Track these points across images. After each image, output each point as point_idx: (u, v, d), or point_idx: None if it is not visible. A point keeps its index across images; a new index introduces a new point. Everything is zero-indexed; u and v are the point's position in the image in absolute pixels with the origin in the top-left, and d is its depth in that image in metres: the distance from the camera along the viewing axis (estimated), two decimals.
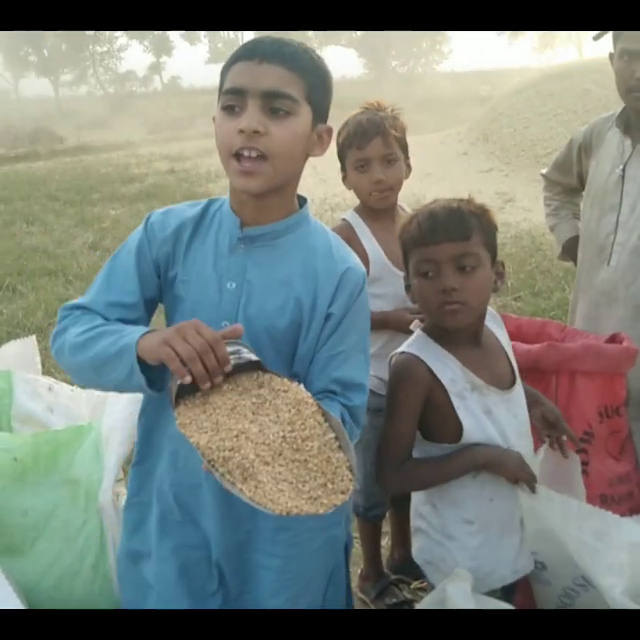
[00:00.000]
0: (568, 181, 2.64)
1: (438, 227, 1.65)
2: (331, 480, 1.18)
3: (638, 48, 2.13)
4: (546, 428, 1.88)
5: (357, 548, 2.76)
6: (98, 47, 49.64)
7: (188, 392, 1.25)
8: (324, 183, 11.69)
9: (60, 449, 2.05)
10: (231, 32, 57.01)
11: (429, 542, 1.82)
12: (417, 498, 1.87)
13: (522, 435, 1.78)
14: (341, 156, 2.29)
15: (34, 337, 2.53)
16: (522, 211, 8.23)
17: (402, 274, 2.21)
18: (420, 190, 9.51)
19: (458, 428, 1.70)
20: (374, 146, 2.22)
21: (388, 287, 2.28)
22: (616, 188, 2.31)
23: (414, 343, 1.75)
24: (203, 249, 1.49)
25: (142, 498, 1.61)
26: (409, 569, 2.68)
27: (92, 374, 1.41)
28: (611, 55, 2.25)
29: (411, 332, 2.16)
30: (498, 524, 1.77)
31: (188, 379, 1.20)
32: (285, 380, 1.32)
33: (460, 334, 1.72)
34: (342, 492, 1.16)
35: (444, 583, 1.66)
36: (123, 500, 2.16)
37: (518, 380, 1.81)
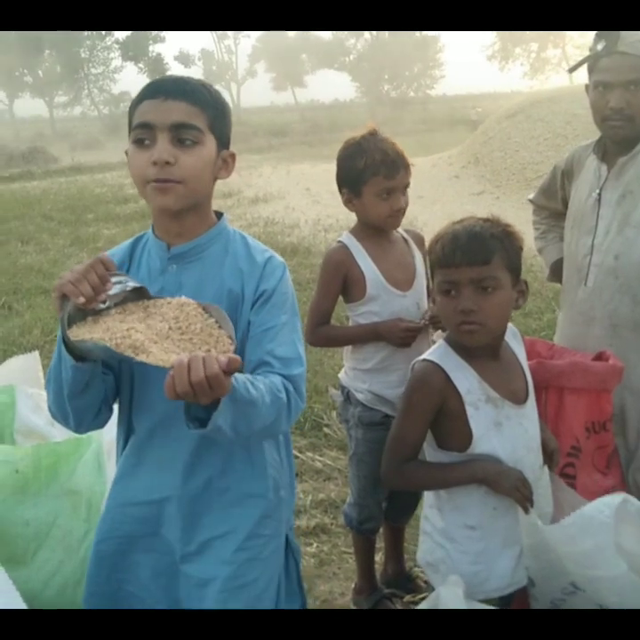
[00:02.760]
0: (553, 206, 2.73)
1: (458, 250, 1.72)
2: (214, 347, 1.33)
3: (611, 80, 2.23)
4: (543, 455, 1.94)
5: (351, 563, 2.81)
6: (93, 68, 49.94)
7: (79, 320, 1.37)
8: (317, 204, 11.79)
9: (60, 460, 2.10)
10: (225, 55, 57.43)
11: (432, 545, 1.89)
12: (426, 502, 1.95)
13: (531, 449, 1.85)
14: (357, 181, 2.33)
15: (36, 352, 2.58)
16: None
17: (397, 292, 2.33)
18: (412, 213, 9.56)
19: (468, 438, 1.77)
20: (401, 176, 2.32)
21: (383, 305, 2.36)
22: (593, 211, 2.40)
23: (436, 352, 1.84)
24: (139, 277, 1.59)
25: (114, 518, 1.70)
26: (402, 583, 2.72)
27: (63, 399, 1.49)
28: (586, 87, 2.36)
29: (403, 344, 2.27)
30: (500, 533, 1.82)
31: (81, 298, 1.33)
32: (168, 298, 1.46)
33: (479, 348, 1.80)
34: (224, 352, 1.30)
35: (438, 589, 1.71)
36: None
37: (532, 396, 1.88)
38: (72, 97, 49.84)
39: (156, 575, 1.67)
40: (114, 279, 1.40)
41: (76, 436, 2.19)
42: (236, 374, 1.36)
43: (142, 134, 1.51)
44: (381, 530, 2.71)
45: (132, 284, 1.43)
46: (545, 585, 1.91)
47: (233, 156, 1.64)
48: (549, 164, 11.56)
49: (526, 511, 1.76)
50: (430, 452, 1.87)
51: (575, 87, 14.11)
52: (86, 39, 48.09)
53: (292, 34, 54.86)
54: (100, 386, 1.52)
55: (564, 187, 2.61)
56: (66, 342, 1.38)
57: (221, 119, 1.59)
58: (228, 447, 1.61)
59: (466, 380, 1.78)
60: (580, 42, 46.74)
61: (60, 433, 2.34)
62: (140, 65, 53.27)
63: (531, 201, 2.86)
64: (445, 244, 1.75)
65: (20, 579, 1.87)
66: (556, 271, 2.68)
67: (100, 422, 1.60)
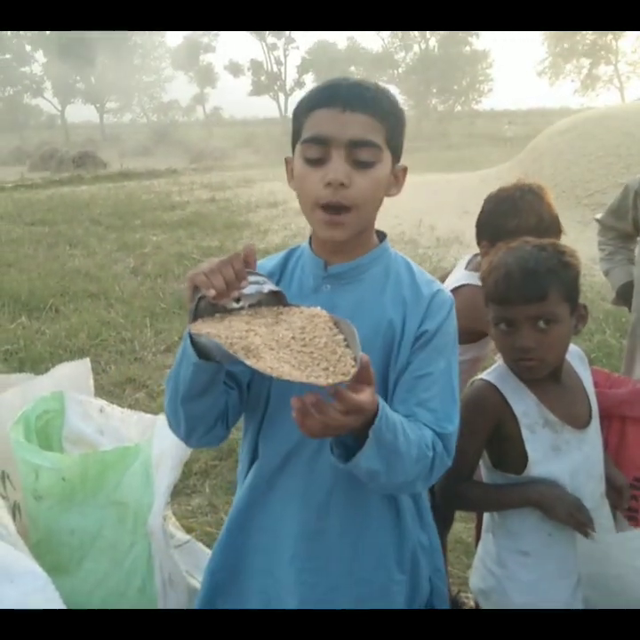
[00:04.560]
0: (623, 227, 2.65)
1: (513, 288, 1.67)
2: (333, 365, 1.18)
3: None
4: (609, 491, 1.86)
5: None
6: (144, 77, 50.76)
7: (207, 315, 1.28)
8: None
9: (107, 470, 2.07)
10: (274, 66, 57.95)
11: (484, 571, 1.83)
12: (483, 526, 1.89)
13: (591, 476, 1.78)
14: (501, 238, 2.10)
15: (87, 359, 2.55)
16: None
17: None
18: (459, 227, 9.51)
19: (524, 461, 1.72)
20: None
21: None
22: None
23: (494, 372, 1.79)
24: (289, 294, 1.43)
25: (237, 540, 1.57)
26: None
27: (177, 400, 1.38)
28: None
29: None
30: (555, 561, 1.76)
31: (211, 291, 1.23)
32: (303, 307, 1.33)
33: None
34: (343, 374, 1.16)
35: None
36: (170, 524, 2.18)
37: (595, 421, 1.81)
38: (122, 104, 50.72)
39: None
40: (251, 278, 1.31)
41: (124, 445, 2.17)
42: (389, 413, 1.24)
43: (316, 151, 1.36)
44: None
45: (269, 287, 1.33)
46: None
47: (405, 170, 1.47)
48: (601, 182, 11.40)
49: (587, 535, 1.69)
50: (485, 472, 1.82)
51: (628, 105, 13.91)
52: (139, 48, 48.92)
53: (341, 46, 55.21)
54: (219, 396, 1.39)
55: (636, 207, 2.52)
56: (191, 337, 1.29)
57: (399, 130, 1.42)
58: (365, 492, 1.45)
59: (523, 402, 1.74)
60: (633, 59, 46.23)
61: (109, 441, 2.33)
62: (191, 74, 54.02)
63: (598, 221, 2.78)
64: (499, 280, 1.70)
65: (65, 588, 1.84)
66: (624, 295, 2.60)
67: (212, 438, 1.46)
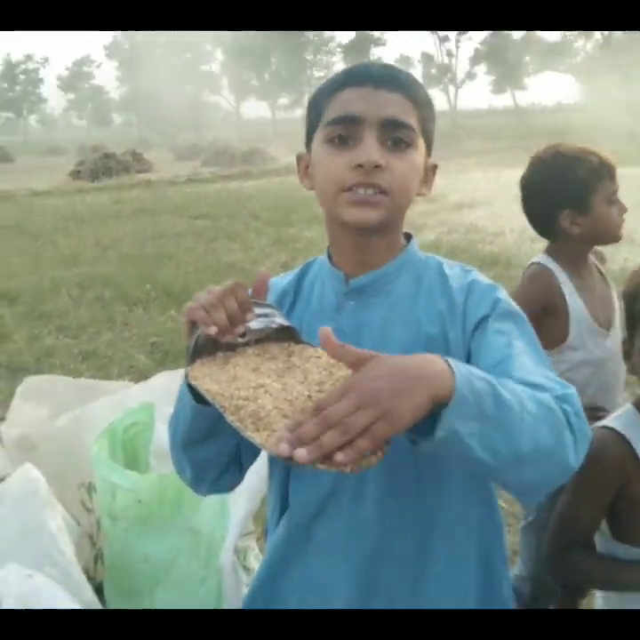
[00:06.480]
0: None
1: None
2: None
3: None
4: None
5: None
6: (315, 72, 51.76)
7: (208, 353, 1.09)
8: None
9: (185, 494, 1.91)
10: (446, 58, 57.30)
11: None
12: (595, 604, 1.62)
13: None
14: (583, 193, 1.98)
15: (182, 370, 2.43)
16: None
17: (601, 331, 1.97)
18: (630, 225, 8.76)
19: None
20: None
21: (591, 353, 1.98)
22: None
23: (621, 418, 1.49)
24: (307, 314, 1.28)
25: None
26: None
27: (178, 445, 1.22)
28: None
29: None
30: None
31: (213, 328, 1.04)
32: (320, 349, 1.09)
33: None
34: (373, 457, 0.91)
35: None
36: (252, 556, 2.00)
37: None
38: (294, 99, 52.07)
39: None
40: (258, 310, 1.12)
41: None
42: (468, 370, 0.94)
43: (343, 130, 1.19)
44: None
45: (279, 322, 1.14)
46: None
47: (435, 168, 1.32)
48: None
49: None
50: (601, 542, 1.50)
51: None
52: (310, 43, 49.93)
53: (516, 36, 53.37)
54: (229, 438, 1.18)
55: None
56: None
57: (432, 120, 1.28)
58: (424, 537, 1.22)
59: None
60: None
61: None
62: None
63: None
64: None
65: None
66: None
67: (223, 485, 1.29)
